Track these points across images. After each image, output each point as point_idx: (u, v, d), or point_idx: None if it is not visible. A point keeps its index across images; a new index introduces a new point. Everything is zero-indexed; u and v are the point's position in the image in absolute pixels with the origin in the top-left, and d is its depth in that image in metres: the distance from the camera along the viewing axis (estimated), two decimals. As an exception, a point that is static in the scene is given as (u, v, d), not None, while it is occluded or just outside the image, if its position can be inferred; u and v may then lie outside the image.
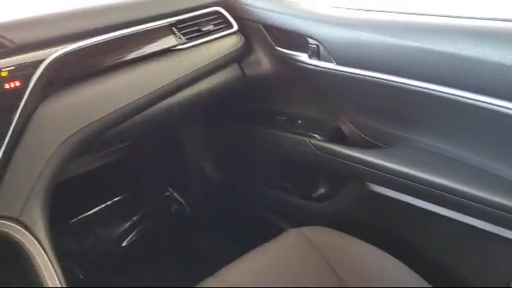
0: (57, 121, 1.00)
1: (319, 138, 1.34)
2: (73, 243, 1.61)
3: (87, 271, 1.49)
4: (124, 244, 1.69)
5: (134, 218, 1.76)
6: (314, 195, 1.49)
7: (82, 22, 1.09)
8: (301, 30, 1.25)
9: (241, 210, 1.71)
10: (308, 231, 1.07)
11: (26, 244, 0.90)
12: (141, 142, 1.61)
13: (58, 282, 0.88)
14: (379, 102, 1.20)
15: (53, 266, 0.90)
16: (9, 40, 0.95)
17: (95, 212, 1.69)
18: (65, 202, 1.07)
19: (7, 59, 0.93)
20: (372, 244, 1.09)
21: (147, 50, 1.16)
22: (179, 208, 1.84)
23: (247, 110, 1.55)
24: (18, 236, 0.90)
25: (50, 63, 0.98)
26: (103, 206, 1.71)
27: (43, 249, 0.90)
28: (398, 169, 1.13)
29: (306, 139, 1.34)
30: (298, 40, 1.27)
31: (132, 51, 1.14)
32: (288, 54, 1.31)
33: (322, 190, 1.48)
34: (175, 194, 1.87)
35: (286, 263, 1.04)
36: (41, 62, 0.97)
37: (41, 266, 0.89)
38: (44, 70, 0.97)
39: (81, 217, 1.65)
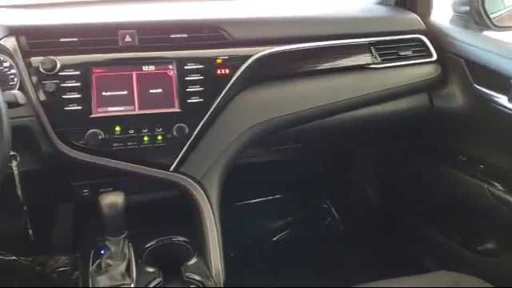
0: (248, 109, 1.15)
1: (500, 187, 1.23)
2: (231, 224, 1.76)
3: (237, 252, 1.61)
4: (274, 239, 1.79)
5: (289, 219, 1.85)
6: (479, 248, 1.37)
7: (290, 29, 1.21)
8: (505, 70, 1.17)
9: (392, 240, 1.66)
10: (461, 278, 1.00)
11: (201, 204, 1.06)
12: (312, 148, 1.69)
13: (217, 245, 1.02)
14: None
15: (217, 231, 1.04)
16: (229, 34, 1.12)
17: (257, 202, 1.83)
18: (235, 184, 1.20)
19: (224, 50, 1.10)
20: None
21: (342, 63, 1.23)
22: (333, 222, 1.87)
23: (426, 143, 1.50)
24: (196, 195, 1.07)
25: (257, 59, 1.13)
26: (264, 198, 1.84)
27: (213, 213, 1.05)
28: None
29: (485, 186, 1.24)
30: (499, 81, 1.19)
31: (328, 62, 1.22)
32: (486, 93, 1.23)
33: (489, 245, 1.35)
34: (332, 209, 1.90)
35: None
36: (249, 57, 1.12)
37: (208, 226, 1.05)
38: (250, 64, 1.12)
39: (244, 202, 1.81)
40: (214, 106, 1.08)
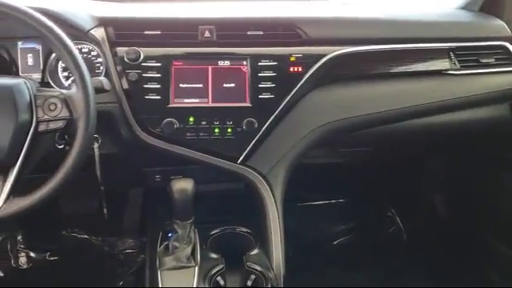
0: (318, 108, 1.15)
1: None
2: (292, 223, 1.76)
3: (296, 251, 1.62)
4: (334, 243, 1.78)
5: (351, 224, 1.82)
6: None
7: (367, 30, 1.20)
8: None
9: (458, 253, 1.59)
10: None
11: (266, 198, 1.08)
12: (381, 152, 1.65)
13: (279, 239, 1.03)
14: None
15: (279, 225, 1.06)
16: (304, 32, 1.13)
17: (320, 204, 1.82)
18: (298, 184, 1.20)
19: (298, 48, 1.12)
20: None
21: (418, 67, 1.20)
22: (397, 232, 1.82)
23: (503, 155, 1.42)
24: (261, 189, 1.09)
25: (330, 59, 1.13)
26: (327, 201, 1.83)
27: (276, 207, 1.07)
28: None
29: None
30: None
31: (403, 65, 1.19)
32: None
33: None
34: (397, 218, 1.85)
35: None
36: (323, 56, 1.12)
37: (271, 219, 1.07)
38: (323, 63, 1.12)
39: (306, 203, 1.81)
40: (284, 103, 1.09)
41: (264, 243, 1.09)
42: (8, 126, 0.82)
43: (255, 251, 1.09)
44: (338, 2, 1.47)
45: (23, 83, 0.87)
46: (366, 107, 1.17)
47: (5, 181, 0.84)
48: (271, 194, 1.09)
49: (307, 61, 1.11)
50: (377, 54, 1.17)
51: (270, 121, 1.09)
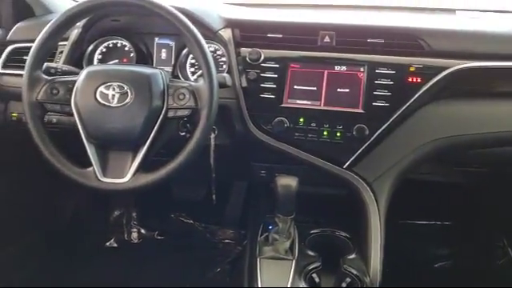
0: (433, 122, 1.12)
1: None
2: (391, 237, 1.72)
3: (392, 267, 1.58)
4: (435, 265, 1.69)
5: (456, 248, 1.72)
6: None
7: (494, 45, 1.13)
8: None
9: None
10: None
11: (369, 206, 1.08)
12: (498, 175, 1.53)
13: (379, 247, 1.02)
14: None
15: (381, 234, 1.05)
16: (427, 44, 1.10)
17: (423, 224, 1.74)
18: (405, 199, 1.17)
19: (419, 59, 1.10)
20: None
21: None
22: (507, 263, 1.67)
23: None
24: (365, 197, 1.09)
25: (452, 72, 1.09)
26: (432, 222, 1.75)
27: (379, 217, 1.06)
28: None
29: None
30: None
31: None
32: None
33: None
34: (509, 250, 1.70)
35: None
36: (445, 68, 1.09)
37: (372, 227, 1.07)
38: (445, 76, 1.09)
39: (408, 221, 1.74)
40: (398, 113, 1.08)
41: (362, 250, 1.08)
42: (143, 110, 0.93)
43: (353, 256, 1.09)
44: (466, 15, 1.40)
45: (159, 73, 0.97)
46: (483, 126, 1.11)
47: (134, 158, 0.94)
48: (375, 203, 1.08)
49: (427, 72, 1.08)
50: (503, 71, 1.10)
51: (381, 129, 1.08)
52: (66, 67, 1.07)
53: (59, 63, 1.13)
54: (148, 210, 1.84)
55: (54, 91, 0.96)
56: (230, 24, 1.17)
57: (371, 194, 1.09)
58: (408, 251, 1.68)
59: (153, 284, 1.58)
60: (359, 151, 1.09)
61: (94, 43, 1.24)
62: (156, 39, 1.24)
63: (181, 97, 0.96)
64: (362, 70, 1.09)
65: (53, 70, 1.03)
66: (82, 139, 0.95)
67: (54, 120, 1.16)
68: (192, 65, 1.22)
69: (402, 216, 1.72)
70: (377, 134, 1.08)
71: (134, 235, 1.82)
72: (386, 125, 1.08)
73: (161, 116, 0.94)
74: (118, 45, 1.24)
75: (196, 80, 1.10)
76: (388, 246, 1.10)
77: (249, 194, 1.65)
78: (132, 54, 1.23)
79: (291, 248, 1.09)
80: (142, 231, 1.82)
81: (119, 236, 1.81)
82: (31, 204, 1.52)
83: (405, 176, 1.13)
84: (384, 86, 1.08)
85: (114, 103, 0.93)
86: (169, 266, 1.67)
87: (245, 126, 1.13)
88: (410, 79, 1.08)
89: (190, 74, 1.22)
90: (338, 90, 1.10)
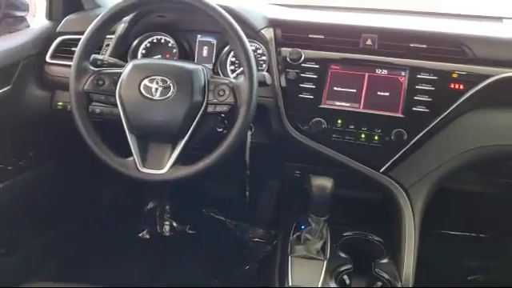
0: (474, 130, 1.10)
1: None
2: (424, 246, 1.69)
3: (423, 277, 1.55)
4: (468, 278, 1.64)
5: (492, 262, 1.66)
6: None
7: None
8: None
9: None
10: None
11: (405, 212, 1.07)
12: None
13: (413, 254, 1.01)
14: None
15: (415, 240, 1.03)
16: (471, 51, 1.08)
17: (458, 235, 1.70)
18: (441, 208, 1.15)
19: (462, 65, 1.08)
20: None
21: None
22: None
23: None
24: (401, 202, 1.08)
25: (496, 81, 1.06)
26: (467, 234, 1.70)
27: (414, 223, 1.05)
28: None
29: None
30: None
31: None
32: None
33: None
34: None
35: None
36: (489, 76, 1.07)
37: (407, 233, 1.06)
38: (488, 84, 1.06)
39: (443, 231, 1.70)
40: (438, 119, 1.06)
41: (395, 255, 1.07)
42: (184, 104, 0.95)
43: (385, 260, 1.08)
44: (512, 24, 1.37)
45: (201, 69, 0.99)
46: None
47: (173, 150, 0.97)
48: (411, 209, 1.07)
49: (470, 79, 1.06)
50: None
51: (420, 135, 1.07)
52: (112, 60, 1.11)
53: (105, 55, 1.16)
54: (181, 204, 1.87)
55: (100, 82, 0.99)
56: (272, 23, 1.18)
57: (407, 199, 1.08)
58: (441, 261, 1.64)
59: (182, 278, 1.60)
60: (397, 156, 1.08)
61: (139, 38, 1.27)
62: (198, 36, 1.26)
63: (221, 93, 0.97)
64: (403, 74, 1.08)
65: (99, 62, 1.06)
66: (123, 130, 0.98)
67: (97, 111, 1.20)
68: (232, 63, 1.24)
69: (437, 225, 1.68)
70: (415, 139, 1.07)
71: (166, 228, 1.85)
72: (425, 130, 1.07)
73: (201, 111, 0.96)
74: (162, 41, 1.27)
75: (236, 77, 1.11)
76: (421, 254, 1.08)
77: (281, 193, 1.66)
78: (175, 50, 1.26)
79: (323, 249, 1.09)
80: (174, 224, 1.85)
81: (152, 228, 1.84)
82: (70, 191, 1.57)
83: (442, 184, 1.11)
84: (425, 91, 1.06)
85: (157, 96, 0.96)
86: (198, 260, 1.69)
87: (282, 126, 1.14)
88: (452, 86, 1.06)
89: (229, 72, 1.24)
90: (378, 93, 1.09)
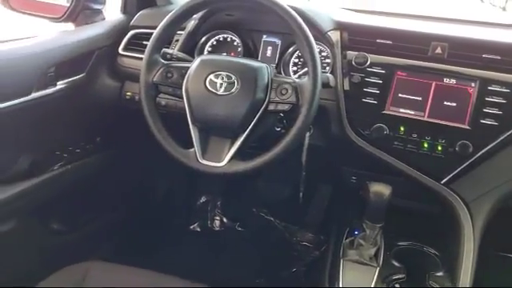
0: None
1: None
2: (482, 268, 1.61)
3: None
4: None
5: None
6: None
7: None
8: None
9: None
10: None
11: (465, 227, 1.03)
12: None
13: (470, 270, 0.97)
14: None
15: (473, 257, 0.99)
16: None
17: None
18: (504, 229, 1.10)
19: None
20: None
21: None
22: None
23: None
24: (461, 216, 1.04)
25: None
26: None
27: (474, 239, 1.01)
28: None
29: None
30: None
31: None
32: None
33: None
34: None
35: None
36: None
37: (465, 249, 1.02)
38: None
39: (501, 254, 1.62)
40: (508, 133, 1.02)
41: (451, 269, 1.03)
42: (246, 100, 0.97)
43: (440, 273, 1.05)
44: None
45: (265, 67, 1.01)
46: None
47: (232, 144, 0.99)
48: (471, 224, 1.03)
49: None
50: None
51: (486, 148, 1.02)
52: (181, 54, 1.15)
53: (175, 50, 1.20)
54: (232, 201, 1.89)
55: (169, 75, 1.03)
56: (340, 26, 1.17)
57: (468, 214, 1.03)
58: (499, 284, 1.57)
59: (228, 273, 1.62)
60: (460, 168, 1.04)
61: (207, 35, 1.31)
62: (264, 36, 1.28)
63: (283, 92, 0.98)
64: (472, 85, 1.05)
65: (169, 56, 1.11)
66: (185, 122, 1.01)
67: (163, 103, 1.25)
68: (295, 64, 1.25)
69: (498, 246, 1.60)
70: (481, 152, 1.03)
71: (217, 223, 1.89)
72: (492, 144, 1.02)
73: (262, 108, 0.98)
74: (228, 39, 1.30)
75: (300, 77, 1.12)
76: (478, 274, 1.04)
77: (332, 198, 1.64)
78: (240, 49, 1.29)
79: (376, 255, 1.07)
80: (224, 220, 1.89)
81: (203, 221, 1.88)
82: (129, 179, 1.64)
83: (506, 202, 1.06)
84: (495, 104, 1.02)
85: (221, 91, 0.98)
86: (246, 258, 1.71)
87: (342, 129, 1.13)
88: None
89: (292, 73, 1.24)
90: (445, 102, 1.06)
